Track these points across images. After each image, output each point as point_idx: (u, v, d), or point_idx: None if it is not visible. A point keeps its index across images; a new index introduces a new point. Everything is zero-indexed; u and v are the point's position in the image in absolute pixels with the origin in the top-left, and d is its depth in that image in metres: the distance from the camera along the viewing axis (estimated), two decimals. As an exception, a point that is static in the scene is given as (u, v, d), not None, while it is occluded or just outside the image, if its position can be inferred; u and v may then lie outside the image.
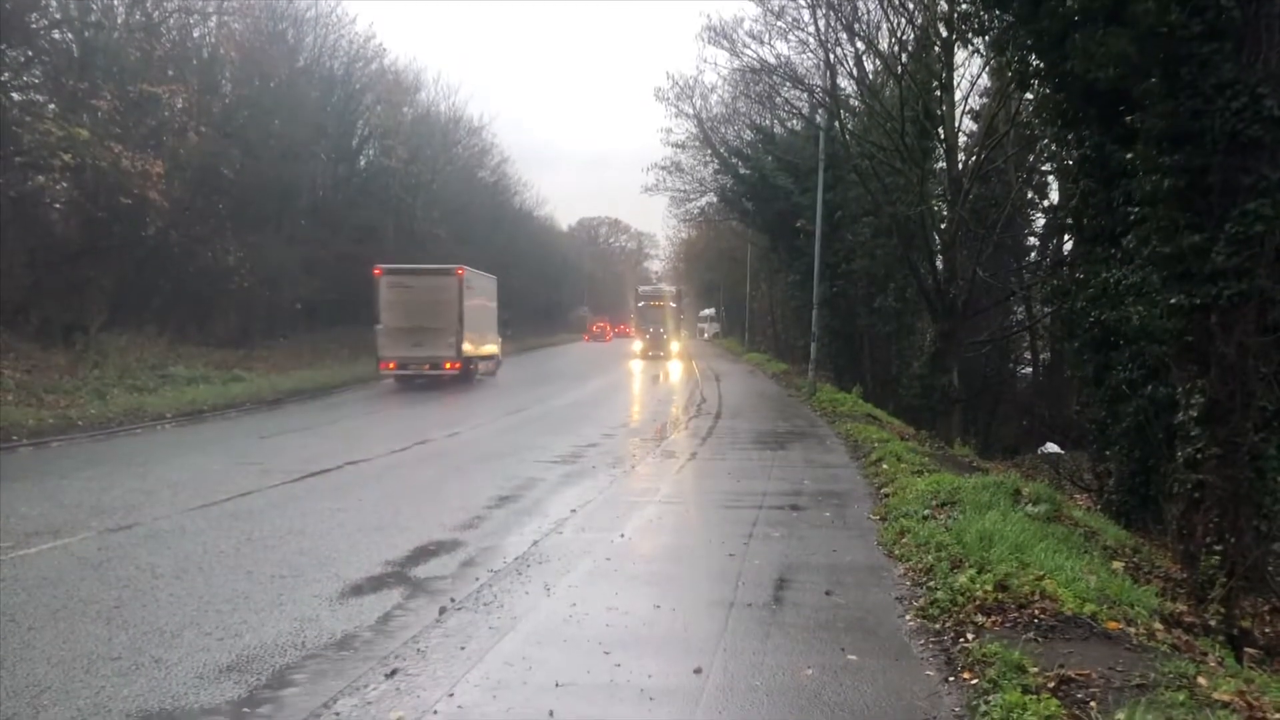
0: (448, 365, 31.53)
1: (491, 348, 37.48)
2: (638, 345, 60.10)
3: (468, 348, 32.41)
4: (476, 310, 33.91)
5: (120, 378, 23.65)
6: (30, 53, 24.65)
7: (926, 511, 11.24)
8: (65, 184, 26.84)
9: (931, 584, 8.37)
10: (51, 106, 25.12)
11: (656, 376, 42.06)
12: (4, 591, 7.94)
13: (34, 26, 24.18)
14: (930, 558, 9.09)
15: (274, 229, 38.17)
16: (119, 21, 29.68)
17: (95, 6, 29.23)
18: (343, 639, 7.05)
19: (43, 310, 25.63)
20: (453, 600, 8.01)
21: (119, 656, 6.50)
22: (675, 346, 59.09)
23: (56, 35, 26.91)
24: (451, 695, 5.90)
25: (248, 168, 35.20)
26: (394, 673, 6.26)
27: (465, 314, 31.79)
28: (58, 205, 28.76)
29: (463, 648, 6.79)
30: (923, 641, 7.10)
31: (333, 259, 42.21)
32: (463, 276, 31.87)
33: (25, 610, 7.46)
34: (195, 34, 34.42)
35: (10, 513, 10.97)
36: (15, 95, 24.65)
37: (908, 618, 7.70)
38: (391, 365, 31.14)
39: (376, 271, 31.78)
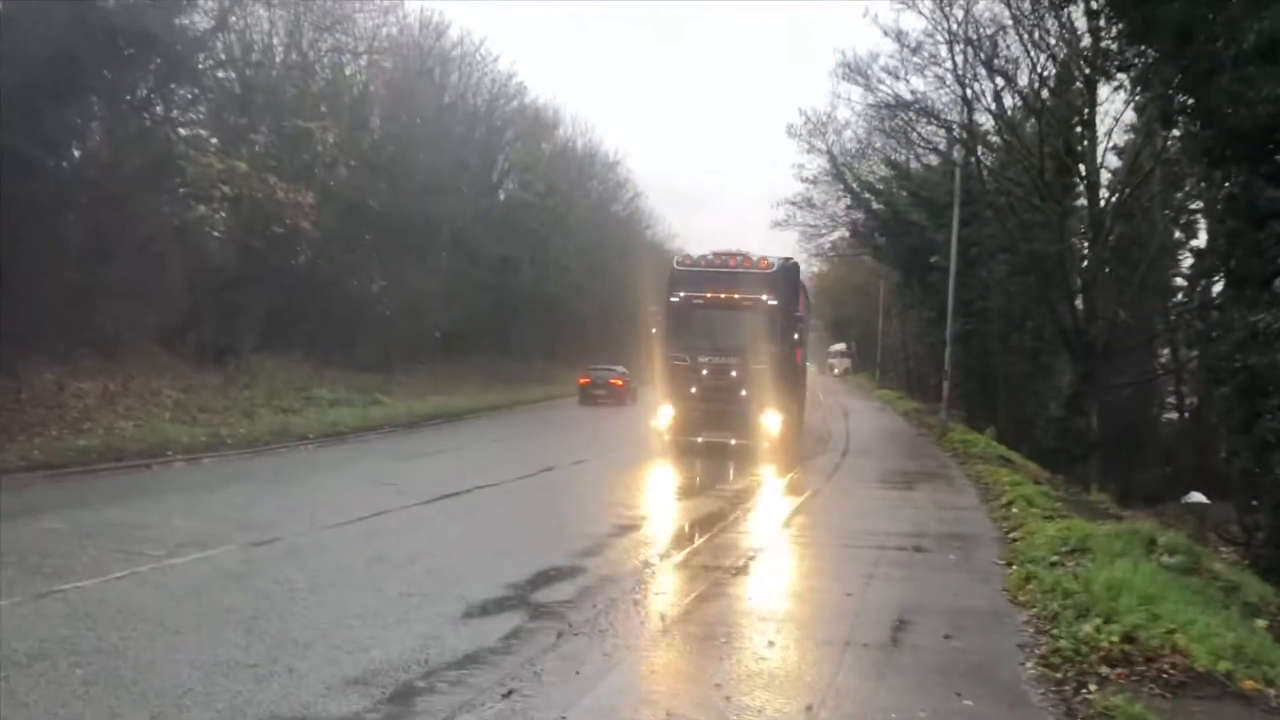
0: None
1: None
2: (663, 415, 22.90)
3: None
4: None
5: (268, 399, 24.68)
6: (197, 91, 26.22)
7: (1055, 558, 10.96)
8: (224, 214, 28.32)
9: (1055, 632, 8.17)
10: (214, 141, 26.56)
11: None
12: (154, 598, 8.44)
13: (201, 67, 25.74)
14: (1055, 605, 8.85)
15: (416, 259, 39.43)
16: (277, 61, 31.35)
17: (256, 47, 30.98)
18: (464, 658, 7.26)
19: (199, 333, 27.05)
20: (570, 625, 8.18)
21: (256, 664, 6.84)
22: (773, 421, 22.33)
23: (220, 75, 28.56)
24: (564, 719, 6.06)
25: (393, 200, 36.53)
26: (510, 693, 6.44)
27: None
28: (216, 234, 30.35)
29: (578, 672, 6.94)
30: (1042, 690, 6.95)
31: (471, 289, 43.36)
32: None
33: (172, 616, 7.92)
34: (347, 72, 35.93)
35: (163, 524, 11.61)
36: (182, 130, 26.22)
37: (1028, 665, 7.54)
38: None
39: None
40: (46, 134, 18.41)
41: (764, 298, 22.37)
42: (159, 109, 24.69)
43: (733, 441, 22.50)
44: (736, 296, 22.49)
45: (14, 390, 18.48)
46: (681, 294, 22.89)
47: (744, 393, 22.07)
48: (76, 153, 22.74)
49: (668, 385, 23.01)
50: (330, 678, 6.63)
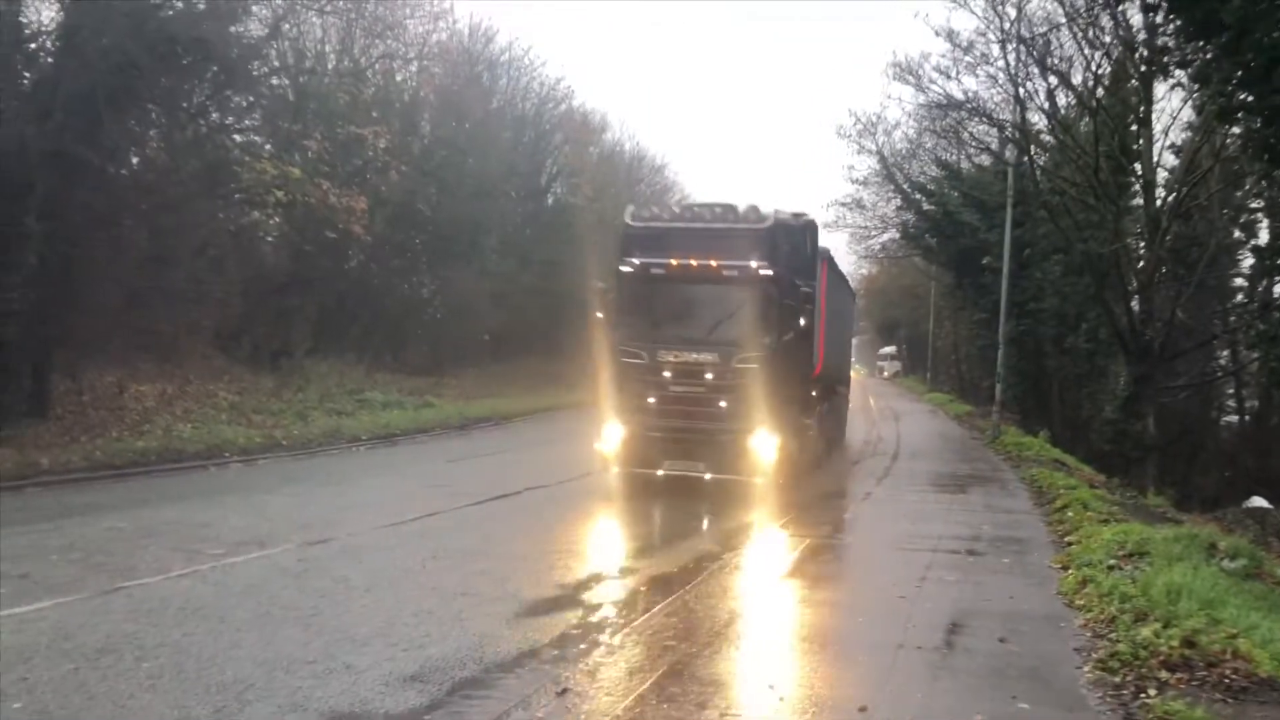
0: None
1: None
2: (610, 436, 15.89)
3: None
4: None
5: (321, 401, 24.99)
6: (252, 98, 26.61)
7: (1112, 561, 10.81)
8: (278, 219, 28.72)
9: (1113, 636, 8.07)
10: (268, 147, 26.93)
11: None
12: (215, 595, 8.62)
13: (256, 74, 26.12)
14: (1113, 609, 8.74)
15: (465, 263, 39.67)
16: (330, 68, 31.76)
17: (309, 54, 31.41)
18: (518, 656, 7.34)
19: (254, 336, 27.48)
20: (622, 625, 8.23)
21: (314, 660, 6.97)
22: (766, 446, 15.13)
23: (274, 82, 28.97)
24: (618, 717, 6.09)
25: (443, 204, 36.84)
26: (564, 691, 6.50)
27: None
28: (270, 239, 30.76)
29: (630, 672, 6.98)
30: (1100, 694, 6.88)
31: (519, 292, 43.56)
32: None
33: (233, 613, 8.08)
34: (398, 78, 36.31)
35: (222, 524, 11.84)
36: (237, 137, 26.62)
37: (1085, 669, 7.46)
38: None
39: None
40: (106, 141, 18.74)
41: (753, 265, 15.13)
42: (215, 116, 25.01)
43: (707, 475, 15.52)
44: (714, 264, 15.27)
45: (76, 393, 18.92)
46: (636, 261, 15.88)
47: (723, 404, 15.22)
48: (135, 159, 23.14)
49: (616, 393, 16.01)
50: (388, 674, 6.74)
